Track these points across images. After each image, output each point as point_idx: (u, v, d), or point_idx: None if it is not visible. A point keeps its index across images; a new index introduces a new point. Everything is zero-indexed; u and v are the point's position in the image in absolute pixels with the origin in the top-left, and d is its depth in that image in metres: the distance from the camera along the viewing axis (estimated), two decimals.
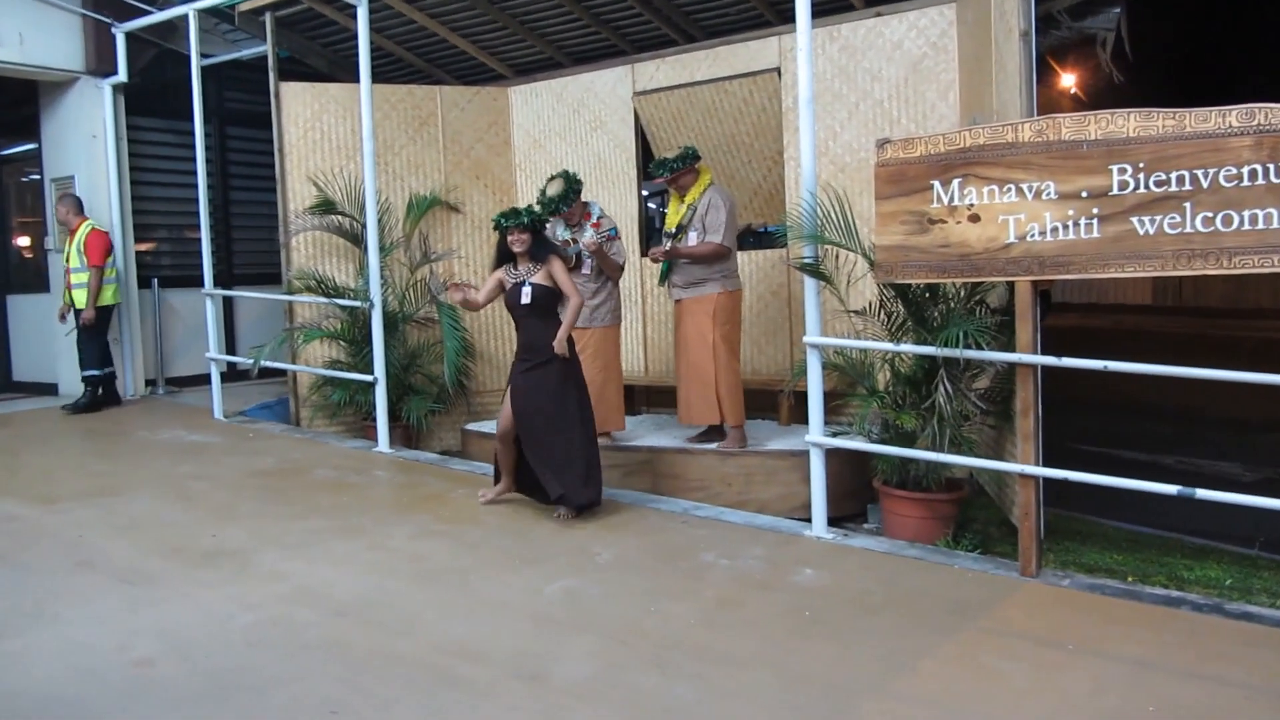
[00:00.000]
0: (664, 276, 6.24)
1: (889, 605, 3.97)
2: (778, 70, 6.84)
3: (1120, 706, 3.08)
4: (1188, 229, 3.92)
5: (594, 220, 6.19)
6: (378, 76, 7.71)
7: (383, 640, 3.58)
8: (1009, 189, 4.27)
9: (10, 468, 6.54)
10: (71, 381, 8.82)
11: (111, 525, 5.05)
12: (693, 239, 5.97)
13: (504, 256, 5.32)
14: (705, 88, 7.14)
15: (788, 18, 6.88)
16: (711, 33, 7.38)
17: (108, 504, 5.46)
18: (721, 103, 7.11)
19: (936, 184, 4.44)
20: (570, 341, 5.20)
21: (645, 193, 7.97)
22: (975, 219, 4.36)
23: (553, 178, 6.00)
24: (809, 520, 5.18)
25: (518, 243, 5.18)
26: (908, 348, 4.72)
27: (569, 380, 5.22)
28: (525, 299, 5.16)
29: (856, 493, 5.69)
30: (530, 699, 3.12)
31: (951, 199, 4.41)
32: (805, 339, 4.88)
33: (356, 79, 6.71)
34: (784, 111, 6.85)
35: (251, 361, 7.49)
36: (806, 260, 4.90)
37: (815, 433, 4.92)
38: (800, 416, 6.65)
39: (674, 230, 6.06)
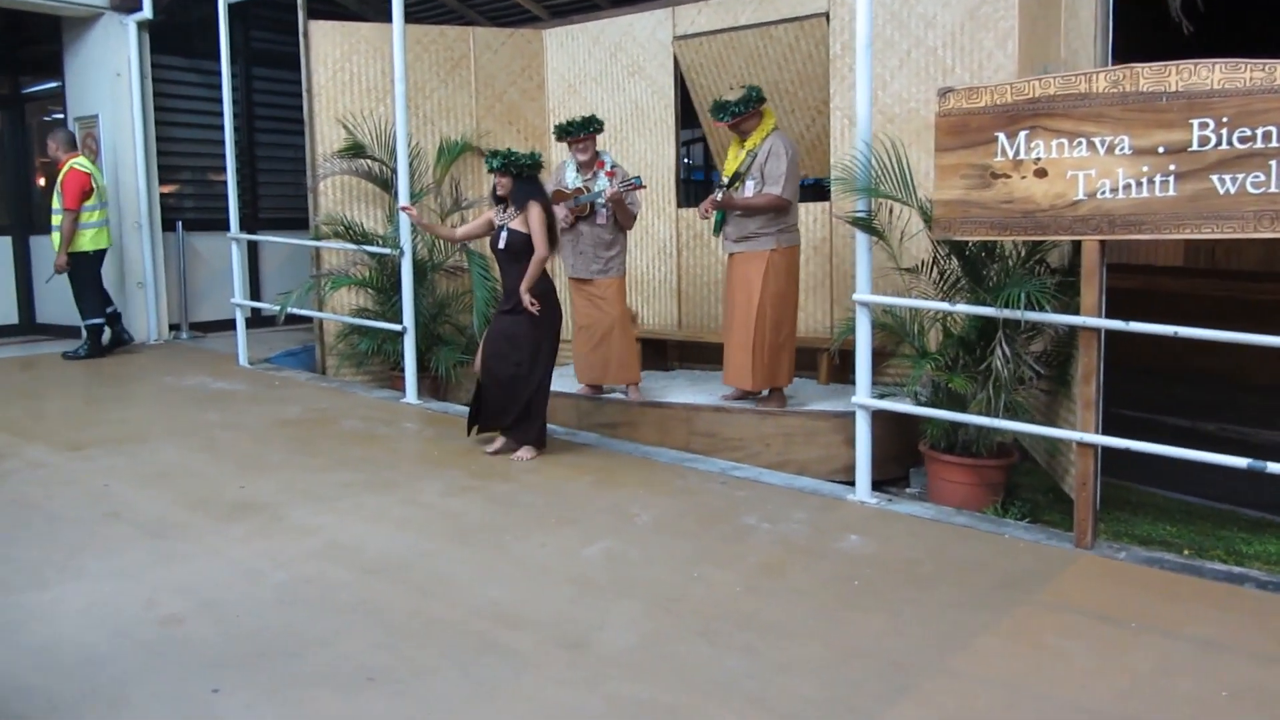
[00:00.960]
0: (719, 226, 5.90)
1: (940, 576, 3.82)
2: (826, 15, 6.55)
3: (1193, 690, 2.93)
4: (1272, 188, 3.69)
5: (608, 169, 5.98)
6: (409, 17, 7.42)
7: (419, 603, 3.46)
8: (1079, 143, 4.03)
9: (36, 412, 6.46)
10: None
11: (138, 474, 4.95)
12: (750, 188, 5.67)
13: (496, 198, 5.37)
14: (749, 33, 6.86)
15: None
16: None
17: (134, 451, 5.36)
18: (765, 48, 6.84)
19: (1001, 136, 4.21)
20: (550, 295, 5.23)
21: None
22: (1042, 174, 4.13)
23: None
24: (850, 484, 5.04)
25: (499, 185, 5.26)
26: (964, 308, 4.51)
27: (537, 331, 5.21)
28: (500, 244, 5.22)
29: (899, 456, 5.52)
30: (574, 670, 2.99)
31: (1017, 152, 4.18)
32: (855, 296, 4.69)
33: (387, 18, 6.48)
34: (831, 59, 6.58)
35: (278, 308, 7.35)
36: (859, 214, 4.69)
37: (862, 394, 4.74)
38: (840, 375, 6.51)
39: (730, 178, 5.75)
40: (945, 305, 4.59)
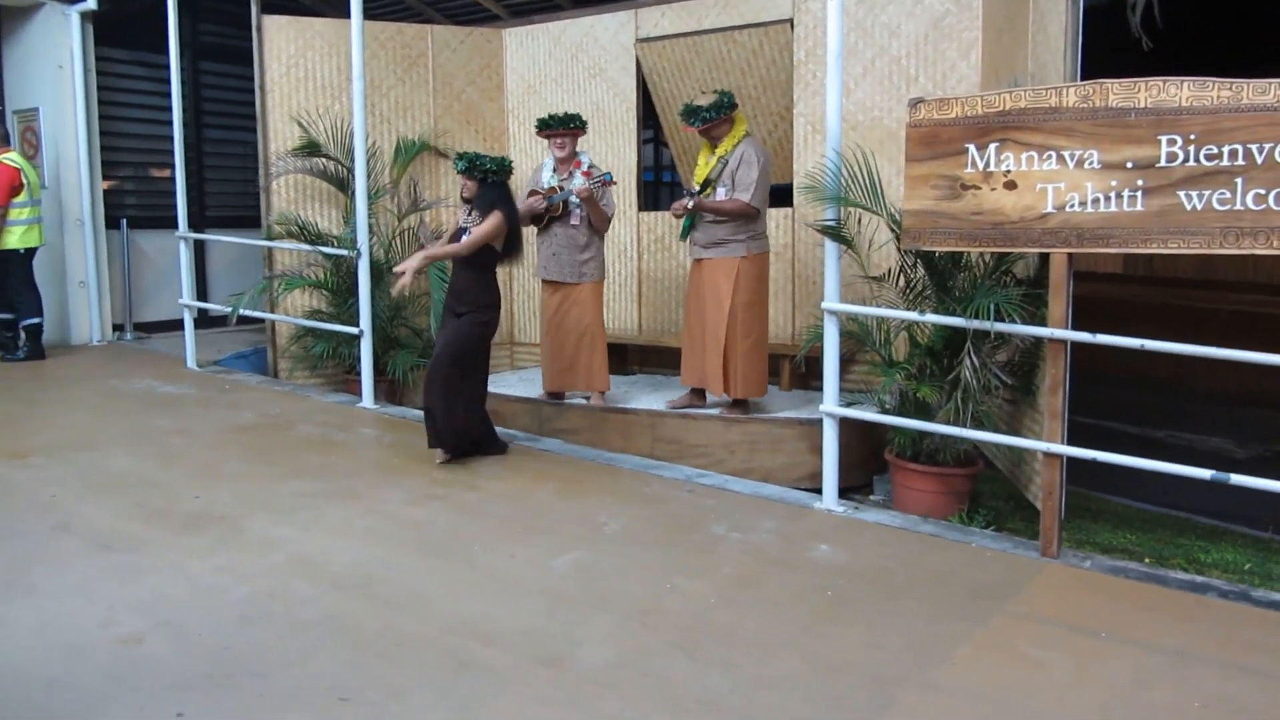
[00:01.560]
0: (686, 231, 5.85)
1: (912, 586, 3.82)
2: (790, 21, 6.55)
3: (1170, 701, 2.95)
4: (1237, 206, 3.75)
5: (584, 169, 5.93)
6: (366, 13, 7.27)
7: (389, 618, 3.37)
8: (1049, 156, 4.07)
9: None
10: (49, 323, 8.39)
11: (88, 484, 4.78)
12: (720, 195, 5.63)
13: (465, 199, 5.33)
14: (712, 37, 6.84)
15: None
16: None
17: (82, 460, 5.17)
18: (729, 53, 6.82)
19: (972, 148, 4.23)
20: (490, 292, 5.21)
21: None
22: (1011, 186, 4.16)
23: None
24: (815, 491, 5.05)
25: (465, 188, 5.23)
26: (934, 318, 4.53)
27: (477, 334, 5.22)
28: None
29: (863, 463, 5.54)
30: (555, 688, 2.93)
31: (987, 164, 4.20)
32: (824, 305, 4.68)
33: (343, 14, 6.35)
34: (795, 65, 6.58)
35: (229, 310, 7.16)
36: (828, 222, 4.69)
37: (830, 402, 4.73)
38: (802, 381, 6.51)
39: (701, 184, 5.69)
40: (914, 315, 4.60)
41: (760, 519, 4.57)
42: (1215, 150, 3.77)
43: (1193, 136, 3.80)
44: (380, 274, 6.87)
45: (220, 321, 9.07)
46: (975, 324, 4.28)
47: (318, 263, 7.17)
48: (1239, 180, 3.74)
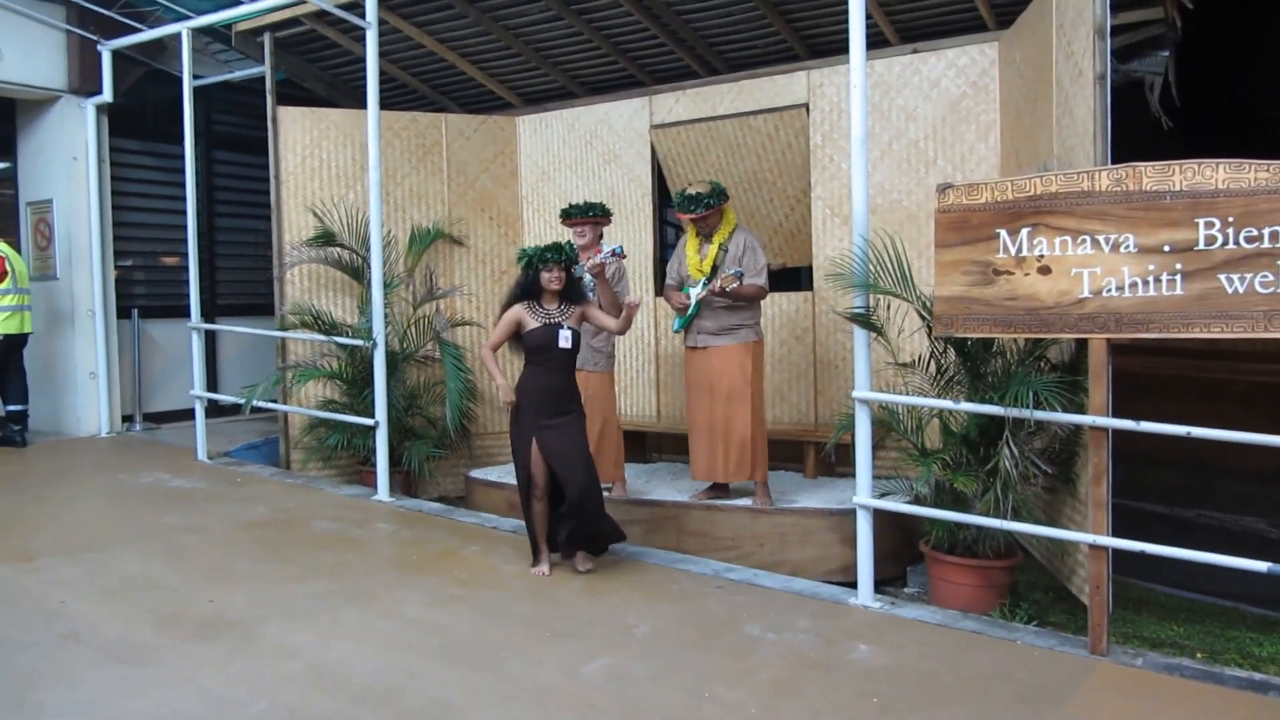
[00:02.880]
0: (687, 322, 5.73)
1: (960, 691, 3.64)
2: (806, 106, 6.57)
3: None
4: None
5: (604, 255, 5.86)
6: (380, 103, 7.36)
7: None
8: (1083, 240, 3.99)
9: None
10: (39, 411, 8.37)
11: (97, 587, 4.61)
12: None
13: (525, 293, 4.92)
14: (728, 122, 6.86)
15: (817, 52, 6.69)
16: (734, 65, 7.11)
17: (91, 561, 5.01)
18: (745, 138, 6.83)
19: (1003, 233, 4.16)
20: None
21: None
22: (1046, 271, 4.08)
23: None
24: (848, 584, 4.90)
25: (555, 280, 4.83)
26: (970, 406, 4.41)
27: (584, 426, 5.00)
28: (565, 343, 4.81)
29: (895, 554, 5.36)
30: None
31: (1020, 249, 4.13)
32: (855, 394, 4.57)
33: (356, 104, 6.40)
34: (812, 149, 6.58)
35: (243, 401, 7.06)
36: (858, 310, 4.60)
37: (864, 494, 4.59)
38: (828, 468, 6.37)
39: (709, 274, 5.61)
40: (950, 403, 4.49)
41: (795, 617, 4.39)
42: (1255, 232, 3.70)
43: (1231, 219, 3.74)
44: (395, 363, 6.78)
45: (232, 410, 8.97)
46: (1014, 412, 4.15)
47: (332, 353, 7.09)
48: None
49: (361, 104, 6.29)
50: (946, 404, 4.50)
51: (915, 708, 3.50)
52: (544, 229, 7.75)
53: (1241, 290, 3.74)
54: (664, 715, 3.40)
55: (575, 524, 4.81)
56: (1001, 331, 4.20)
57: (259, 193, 9.88)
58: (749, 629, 4.23)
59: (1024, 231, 4.11)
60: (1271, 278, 3.68)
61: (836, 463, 6.43)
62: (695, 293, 5.60)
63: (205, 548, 5.31)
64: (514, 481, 5.14)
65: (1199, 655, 4.30)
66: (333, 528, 5.77)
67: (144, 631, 4.08)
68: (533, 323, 4.86)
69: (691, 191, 5.68)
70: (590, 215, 5.83)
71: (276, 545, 5.39)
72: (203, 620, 4.21)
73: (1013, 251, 4.14)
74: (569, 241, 4.99)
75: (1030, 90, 5.23)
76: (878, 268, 4.63)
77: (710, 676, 3.72)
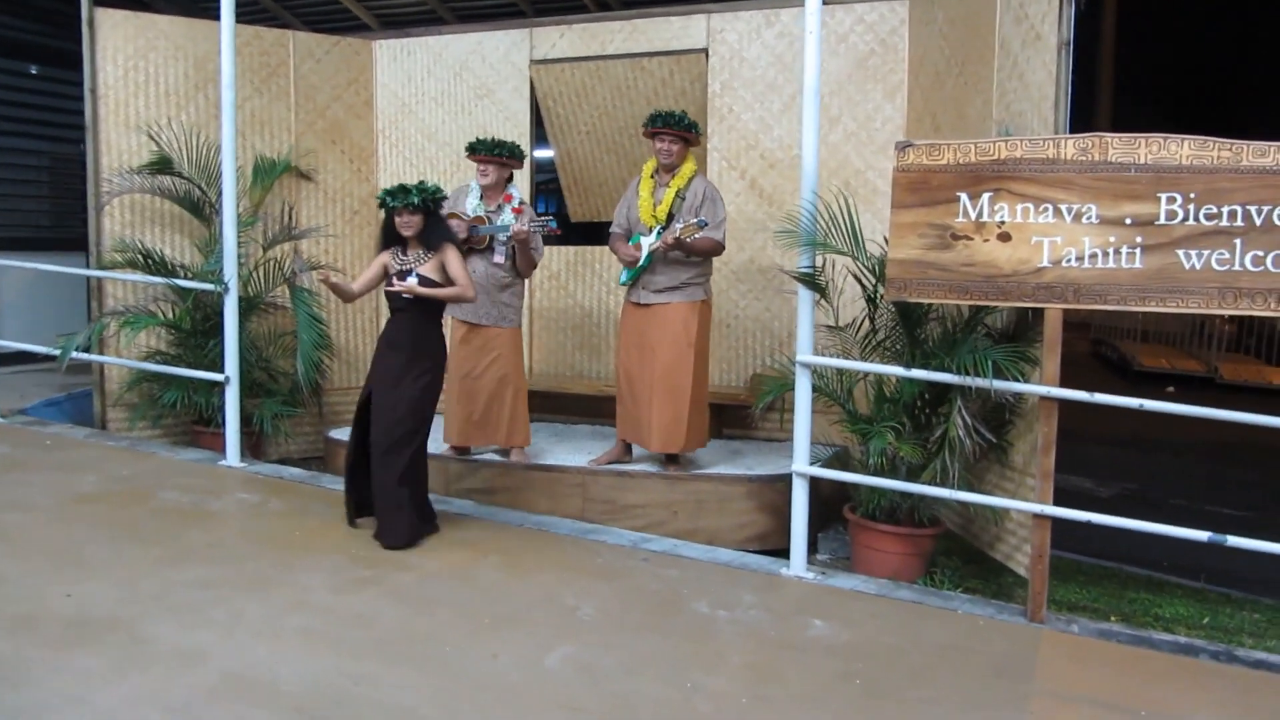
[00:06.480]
0: (636, 274, 5.24)
1: (932, 667, 3.55)
2: (705, 51, 6.26)
3: None
4: (1236, 266, 3.75)
5: (515, 204, 5.39)
6: (210, 13, 6.43)
7: None
8: (1046, 208, 3.94)
9: None
10: None
11: None
12: (678, 232, 4.99)
13: (391, 239, 4.61)
14: (618, 63, 6.44)
15: None
16: (627, 2, 6.68)
17: None
18: (636, 81, 6.45)
19: (964, 196, 4.05)
20: (440, 342, 4.65)
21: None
22: (1006, 238, 4.01)
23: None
24: (764, 552, 4.78)
25: (407, 225, 4.50)
26: (921, 374, 4.30)
27: (430, 398, 4.61)
28: (402, 291, 4.46)
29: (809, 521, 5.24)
30: None
31: (980, 214, 4.04)
32: (798, 358, 4.38)
33: (185, 12, 5.50)
34: (710, 97, 6.28)
35: (58, 352, 6.04)
36: (804, 270, 4.38)
37: (801, 462, 4.43)
38: (715, 431, 6.14)
39: (664, 222, 5.14)
40: (900, 370, 4.36)
41: (737, 591, 4.19)
42: (1215, 210, 3.75)
43: (1193, 195, 3.78)
44: (244, 311, 5.97)
45: (12, 360, 7.76)
46: (972, 381, 4.08)
47: (165, 298, 6.18)
48: (1238, 241, 3.74)
49: (189, 12, 5.41)
50: (898, 370, 4.37)
51: (899, 687, 3.38)
52: (403, 166, 7.08)
53: (1199, 266, 3.80)
54: (655, 713, 3.10)
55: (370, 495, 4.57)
56: (957, 298, 4.10)
57: (48, 109, 8.57)
58: (697, 606, 3.99)
59: (985, 196, 4.01)
60: (1227, 255, 3.75)
61: (724, 425, 6.26)
62: (648, 242, 5.14)
63: (36, 527, 4.49)
64: None
65: (1113, 619, 4.43)
66: (186, 499, 5.02)
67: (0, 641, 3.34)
68: (394, 268, 4.57)
69: (665, 110, 5.19)
70: (496, 154, 5.31)
71: (126, 522, 4.63)
72: (68, 620, 3.50)
73: (973, 216, 4.05)
74: (421, 182, 4.56)
75: (957, 52, 5.16)
76: (829, 227, 4.42)
77: (682, 664, 3.45)
